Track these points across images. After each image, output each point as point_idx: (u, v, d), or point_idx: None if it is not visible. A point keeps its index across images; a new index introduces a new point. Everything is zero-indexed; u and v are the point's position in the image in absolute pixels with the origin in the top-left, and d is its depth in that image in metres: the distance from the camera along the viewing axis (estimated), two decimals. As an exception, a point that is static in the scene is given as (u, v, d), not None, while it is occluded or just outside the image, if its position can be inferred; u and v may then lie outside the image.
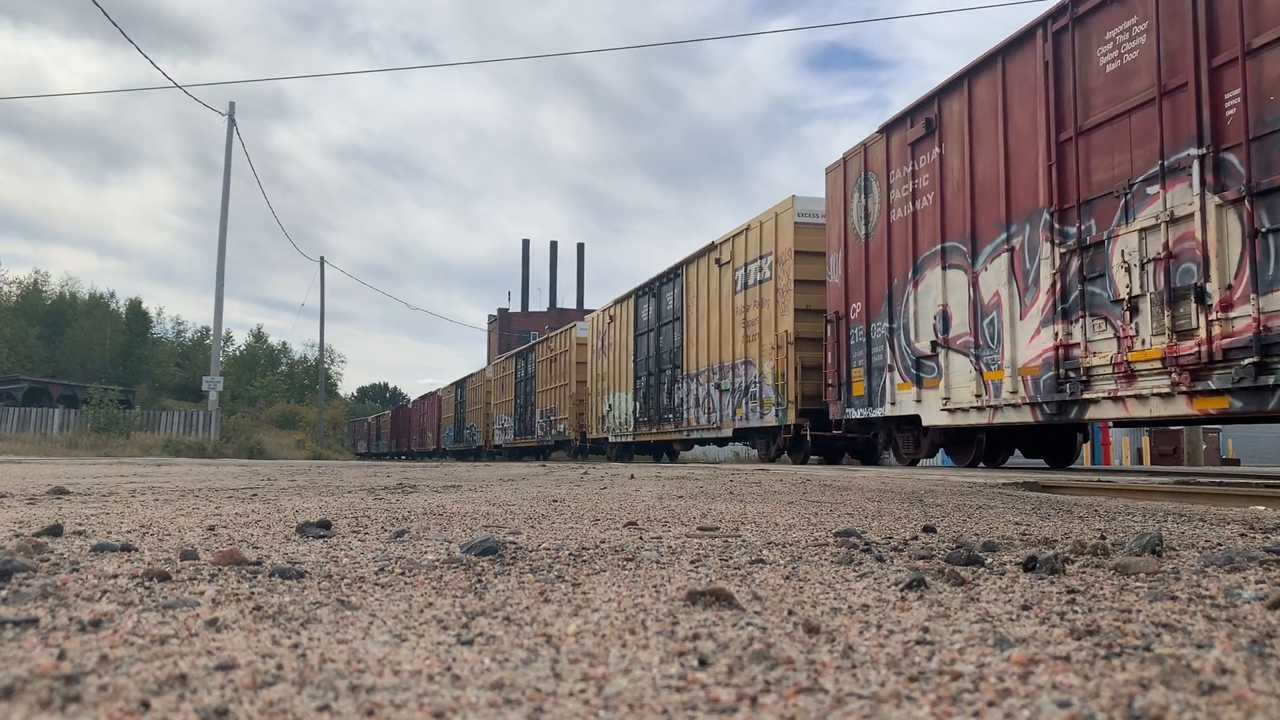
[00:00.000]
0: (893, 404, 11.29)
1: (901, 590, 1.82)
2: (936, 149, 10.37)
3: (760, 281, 14.99)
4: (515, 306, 69.93)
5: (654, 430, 20.10)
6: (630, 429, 21.57)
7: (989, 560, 2.27)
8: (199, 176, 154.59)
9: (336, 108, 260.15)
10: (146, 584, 1.83)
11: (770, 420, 14.56)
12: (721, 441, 18.06)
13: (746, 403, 15.34)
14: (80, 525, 3.09)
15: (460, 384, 40.50)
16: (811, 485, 6.33)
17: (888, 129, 11.45)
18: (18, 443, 27.27)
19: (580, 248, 74.65)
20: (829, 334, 12.84)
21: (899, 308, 11.18)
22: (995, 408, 9.29)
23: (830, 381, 12.83)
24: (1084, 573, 2.05)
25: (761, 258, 14.99)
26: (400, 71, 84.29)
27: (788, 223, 14.26)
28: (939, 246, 10.25)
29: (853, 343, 12.28)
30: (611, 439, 23.16)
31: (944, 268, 10.18)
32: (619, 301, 22.60)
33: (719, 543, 2.72)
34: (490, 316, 72.53)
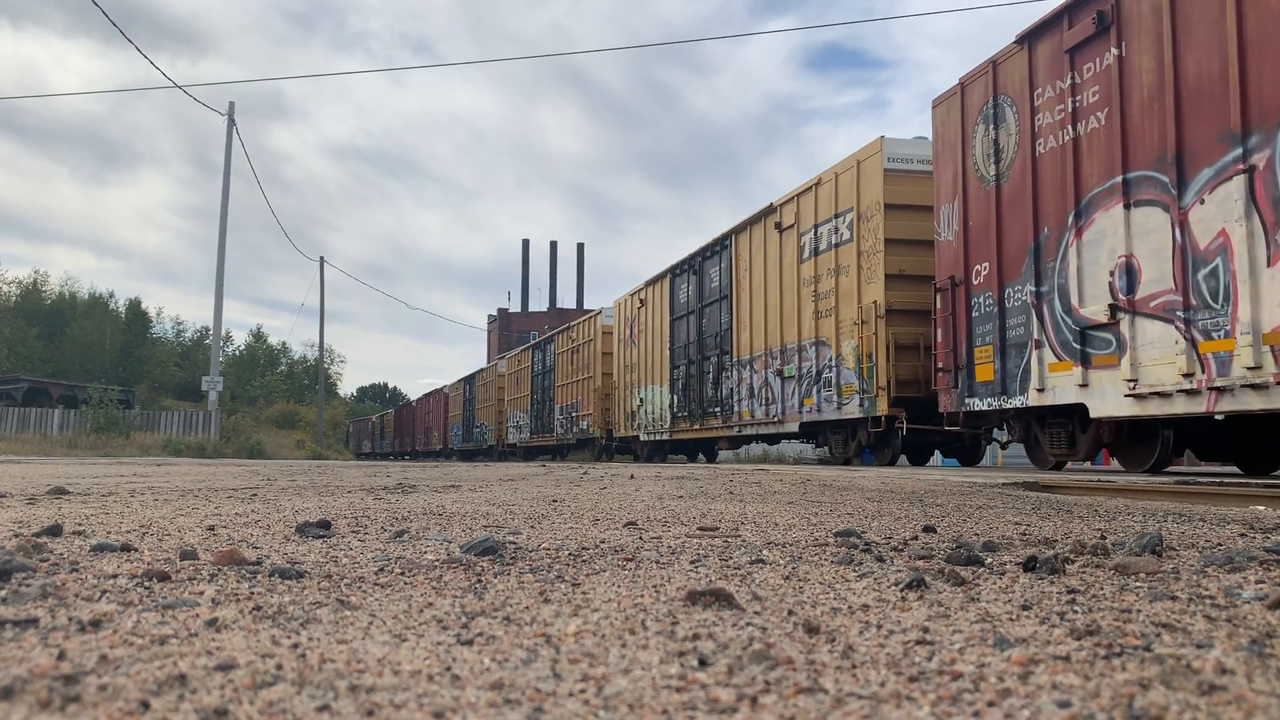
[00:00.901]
0: (1040, 390, 8.72)
1: (901, 590, 1.82)
2: (1113, 51, 7.93)
3: (836, 245, 12.51)
4: (515, 306, 69.97)
5: (696, 426, 17.61)
6: (666, 425, 19.10)
7: (989, 560, 2.26)
8: (197, 176, 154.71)
9: (335, 107, 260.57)
10: (146, 584, 1.83)
11: (852, 411, 12.11)
12: (774, 439, 15.81)
13: (818, 391, 12.88)
14: (80, 525, 3.09)
15: (469, 380, 38.52)
16: (811, 485, 6.33)
17: (1030, 37, 8.97)
18: (17, 443, 27.27)
19: (580, 248, 74.73)
20: (939, 305, 10.28)
21: (1050, 265, 8.66)
22: (1221, 390, 6.78)
23: (942, 365, 10.24)
24: (1084, 573, 2.05)
25: (837, 216, 12.52)
26: (399, 71, 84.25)
27: (875, 171, 11.77)
28: (1118, 179, 7.80)
29: (976, 314, 9.75)
30: (643, 436, 20.66)
31: (1127, 206, 7.71)
32: (651, 283, 20.05)
33: (719, 543, 2.72)
34: (490, 316, 72.55)
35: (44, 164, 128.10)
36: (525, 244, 72.70)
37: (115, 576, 1.91)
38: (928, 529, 3.09)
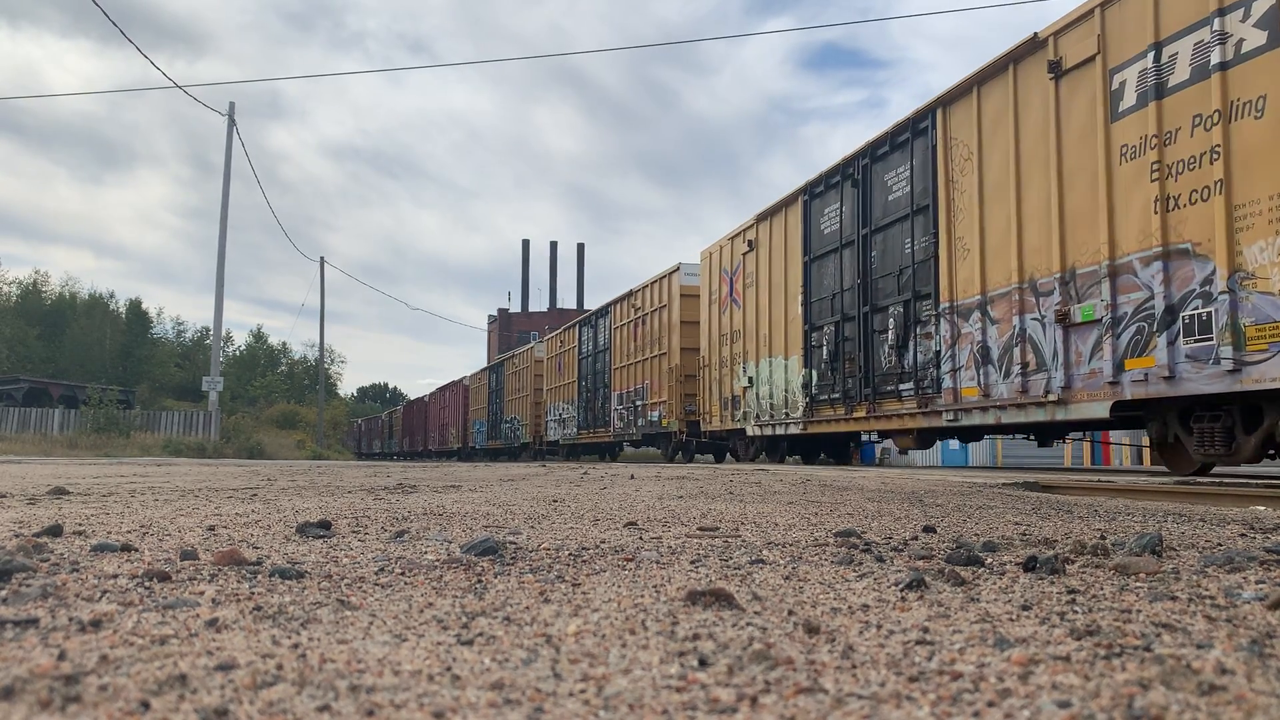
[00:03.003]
0: None
1: (901, 590, 1.82)
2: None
3: (1222, 65, 6.65)
4: (515, 306, 70.00)
5: (854, 413, 11.74)
6: (797, 412, 13.23)
7: (989, 560, 2.27)
8: (196, 176, 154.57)
9: (333, 107, 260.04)
10: (146, 584, 1.83)
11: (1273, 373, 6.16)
12: (1033, 429, 10.00)
13: (1169, 338, 7.02)
14: (80, 525, 3.09)
15: (496, 368, 33.47)
16: (811, 485, 6.33)
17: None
18: (18, 443, 27.28)
19: (580, 248, 74.78)
20: None
21: None
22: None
23: None
24: (1084, 573, 2.05)
25: (1191, 31, 6.92)
26: (396, 71, 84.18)
27: None
28: None
29: None
30: (753, 429, 14.76)
31: None
32: (766, 216, 14.31)
33: (719, 543, 2.72)
34: (490, 316, 72.60)
35: (42, 164, 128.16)
36: (525, 244, 72.78)
37: (116, 576, 1.91)
38: (928, 529, 3.09)
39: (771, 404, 14.12)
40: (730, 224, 15.31)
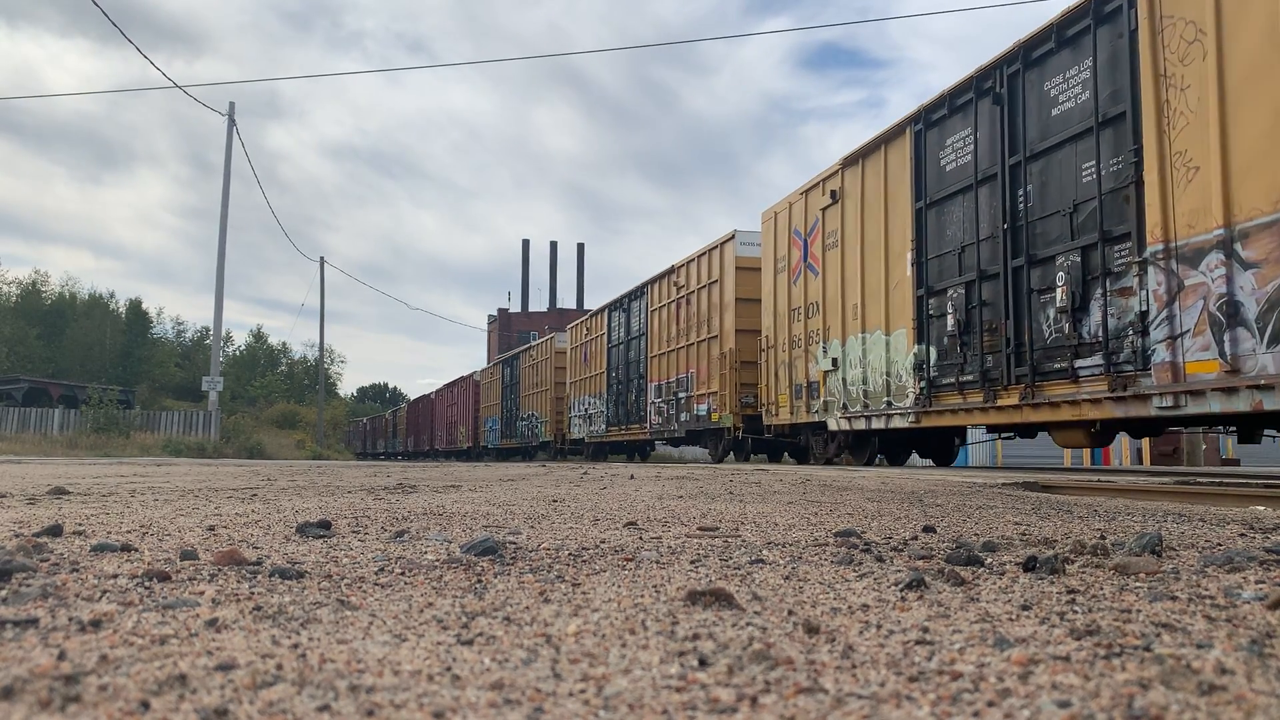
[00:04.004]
0: None
1: (901, 590, 1.82)
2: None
3: None
4: (515, 306, 69.99)
5: (1002, 398, 8.90)
6: (908, 400, 10.42)
7: (989, 560, 2.27)
8: (194, 176, 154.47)
9: (331, 107, 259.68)
10: (146, 584, 1.83)
11: None
12: None
13: None
14: (80, 525, 3.09)
15: (510, 361, 31.14)
16: (811, 485, 6.33)
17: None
18: (18, 443, 27.28)
19: (580, 248, 74.75)
20: None
21: None
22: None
23: None
24: (1084, 573, 2.05)
25: None
26: (395, 71, 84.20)
27: None
28: None
29: None
30: (838, 423, 12.01)
31: None
32: (853, 161, 11.62)
33: (719, 543, 2.72)
34: (490, 317, 72.59)
35: (41, 164, 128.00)
36: (525, 244, 72.78)
37: (115, 576, 1.91)
38: (927, 529, 3.09)
39: (865, 391, 11.24)
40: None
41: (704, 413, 16.07)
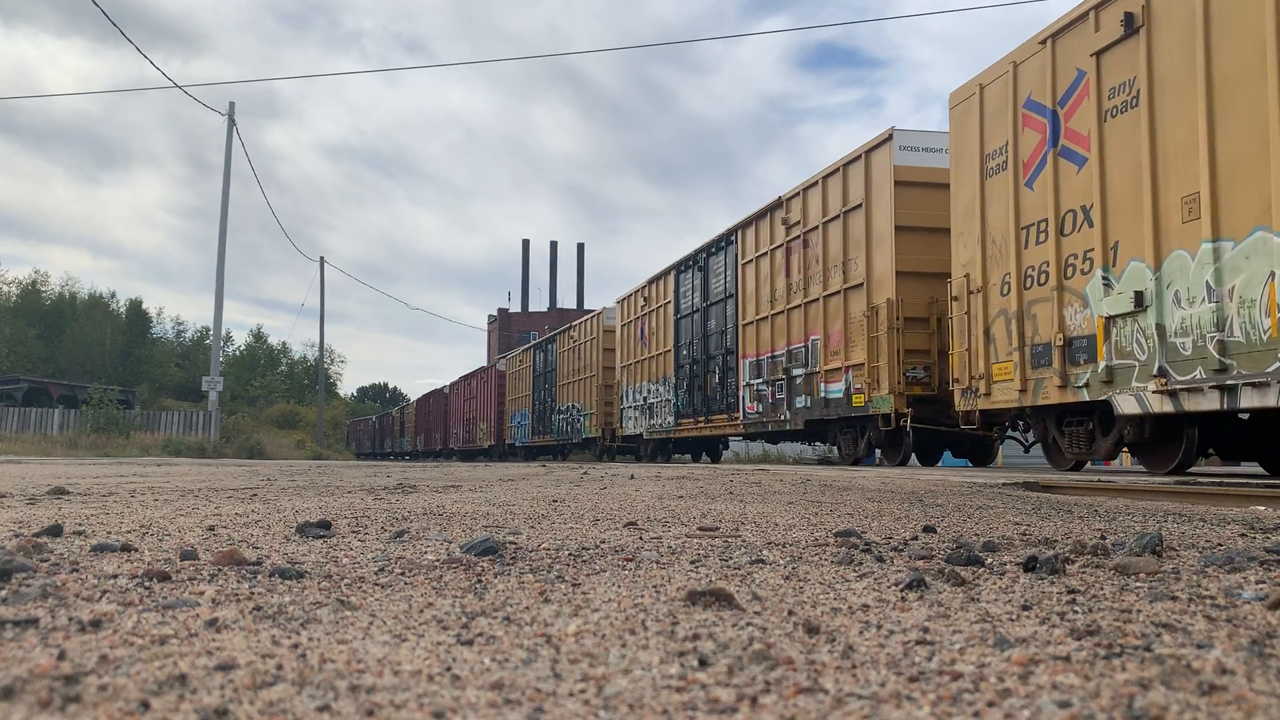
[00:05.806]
0: None
1: (901, 590, 1.82)
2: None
3: None
4: (515, 306, 69.96)
5: None
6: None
7: (989, 560, 2.27)
8: (192, 176, 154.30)
9: (329, 107, 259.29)
10: (146, 584, 1.83)
11: None
12: None
13: None
14: (80, 525, 3.09)
15: (544, 345, 26.68)
16: (811, 485, 6.33)
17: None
18: (18, 443, 27.28)
19: (580, 248, 74.71)
20: None
21: None
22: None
23: None
24: (1084, 573, 2.05)
25: None
26: (393, 71, 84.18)
27: None
28: None
29: None
30: (1155, 399, 7.01)
31: None
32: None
33: (719, 543, 2.72)
34: (490, 316, 72.56)
35: (39, 164, 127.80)
36: (525, 244, 72.75)
37: (115, 576, 1.91)
38: (928, 529, 3.09)
39: (1221, 342, 6.44)
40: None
41: (838, 394, 11.65)
